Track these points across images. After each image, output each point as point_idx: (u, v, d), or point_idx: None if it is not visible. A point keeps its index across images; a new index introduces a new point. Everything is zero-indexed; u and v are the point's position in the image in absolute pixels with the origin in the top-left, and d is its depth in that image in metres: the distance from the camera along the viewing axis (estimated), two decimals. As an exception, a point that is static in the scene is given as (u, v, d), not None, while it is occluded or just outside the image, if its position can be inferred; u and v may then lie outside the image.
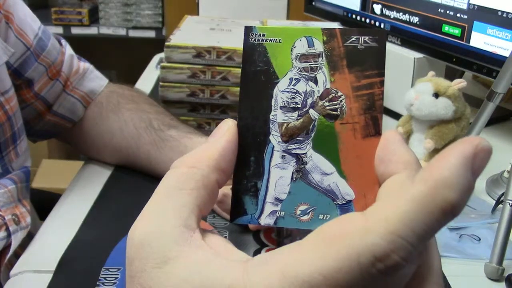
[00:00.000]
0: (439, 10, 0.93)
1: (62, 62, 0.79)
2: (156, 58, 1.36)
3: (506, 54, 0.82)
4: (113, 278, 0.57)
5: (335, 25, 1.09)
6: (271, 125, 0.29)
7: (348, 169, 0.28)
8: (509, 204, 0.61)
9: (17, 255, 0.64)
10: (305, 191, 0.28)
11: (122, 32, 2.42)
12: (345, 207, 0.28)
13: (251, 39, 0.30)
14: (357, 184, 0.28)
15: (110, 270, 0.58)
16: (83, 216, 0.68)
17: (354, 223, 0.22)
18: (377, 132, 0.28)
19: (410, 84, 0.96)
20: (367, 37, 0.28)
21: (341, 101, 0.28)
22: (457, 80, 0.79)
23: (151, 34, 2.41)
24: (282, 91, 0.29)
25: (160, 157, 0.74)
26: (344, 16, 1.18)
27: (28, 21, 0.75)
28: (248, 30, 0.30)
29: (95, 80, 0.83)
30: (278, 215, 0.28)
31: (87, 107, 0.82)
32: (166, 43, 0.87)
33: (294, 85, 0.29)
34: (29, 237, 0.68)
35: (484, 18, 0.86)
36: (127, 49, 2.68)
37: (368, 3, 1.10)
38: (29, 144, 0.77)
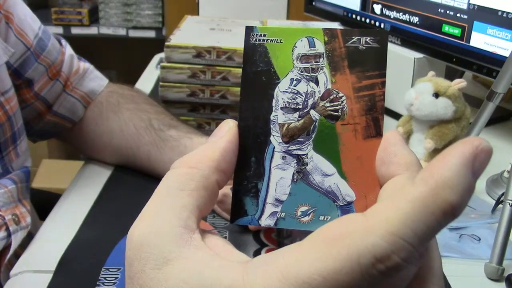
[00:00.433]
0: (439, 10, 0.93)
1: (62, 62, 0.79)
2: (156, 58, 1.35)
3: (506, 54, 0.82)
4: (113, 278, 0.57)
5: (335, 25, 1.09)
6: (271, 126, 0.29)
7: (349, 170, 0.28)
8: (509, 204, 0.61)
9: (17, 255, 0.64)
10: (306, 192, 0.28)
11: (122, 32, 2.42)
12: (346, 208, 0.28)
13: (252, 39, 0.29)
14: (358, 185, 0.28)
15: (110, 270, 0.58)
16: (83, 216, 0.68)
17: (354, 224, 0.22)
18: (378, 133, 0.28)
19: (410, 84, 0.96)
20: (369, 38, 0.28)
21: (342, 102, 0.28)
22: (457, 80, 0.79)
23: (151, 34, 2.41)
24: (283, 91, 0.29)
25: (160, 157, 0.74)
26: (344, 16, 1.18)
27: (28, 21, 0.75)
28: (249, 30, 0.29)
29: (95, 80, 0.83)
30: (278, 216, 0.28)
31: (87, 107, 0.82)
32: (166, 43, 0.87)
33: (295, 85, 0.29)
34: (29, 237, 0.68)
35: (484, 18, 0.86)
36: (127, 49, 2.68)
37: (368, 3, 1.10)
38: (29, 144, 0.77)
